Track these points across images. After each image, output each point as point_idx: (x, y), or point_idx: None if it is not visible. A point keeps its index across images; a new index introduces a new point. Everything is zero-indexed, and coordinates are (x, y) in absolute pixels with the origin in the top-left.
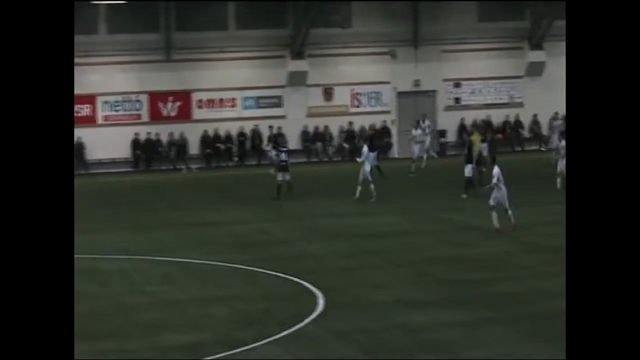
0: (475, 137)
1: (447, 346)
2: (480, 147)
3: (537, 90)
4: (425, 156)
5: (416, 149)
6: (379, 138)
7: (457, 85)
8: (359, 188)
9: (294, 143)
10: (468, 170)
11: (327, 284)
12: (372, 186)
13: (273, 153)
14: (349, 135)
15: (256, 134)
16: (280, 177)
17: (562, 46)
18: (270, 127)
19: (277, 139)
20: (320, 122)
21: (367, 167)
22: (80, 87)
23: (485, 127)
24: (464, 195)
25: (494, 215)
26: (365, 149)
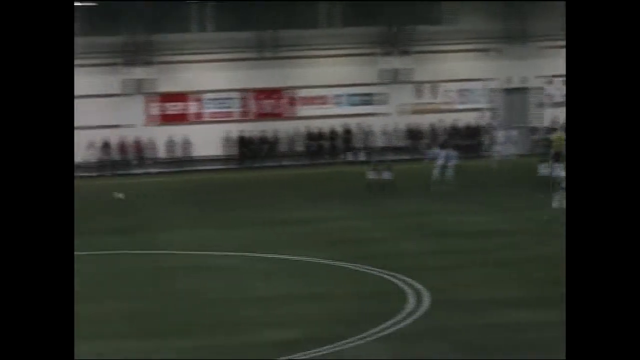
0: (557, 137)
1: (543, 346)
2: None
3: None
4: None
5: (504, 148)
6: (466, 137)
7: (551, 82)
8: (439, 186)
9: (388, 140)
10: (543, 169)
11: (422, 282)
12: (436, 181)
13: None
14: (450, 132)
15: (350, 131)
16: (372, 175)
17: None
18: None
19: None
20: (417, 120)
21: (438, 166)
22: (176, 85)
23: None
24: (541, 195)
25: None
26: (437, 148)
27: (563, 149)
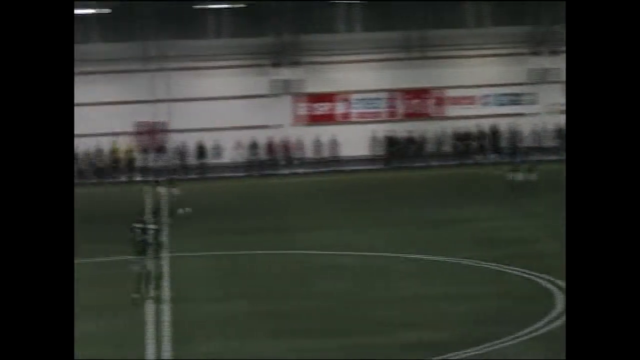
0: None
1: None
2: None
3: None
4: None
5: None
6: None
7: None
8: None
9: (536, 141)
10: None
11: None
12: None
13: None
14: None
15: (498, 131)
16: (514, 175)
17: None
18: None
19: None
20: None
21: None
22: (323, 85)
23: None
24: None
25: None
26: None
27: None
